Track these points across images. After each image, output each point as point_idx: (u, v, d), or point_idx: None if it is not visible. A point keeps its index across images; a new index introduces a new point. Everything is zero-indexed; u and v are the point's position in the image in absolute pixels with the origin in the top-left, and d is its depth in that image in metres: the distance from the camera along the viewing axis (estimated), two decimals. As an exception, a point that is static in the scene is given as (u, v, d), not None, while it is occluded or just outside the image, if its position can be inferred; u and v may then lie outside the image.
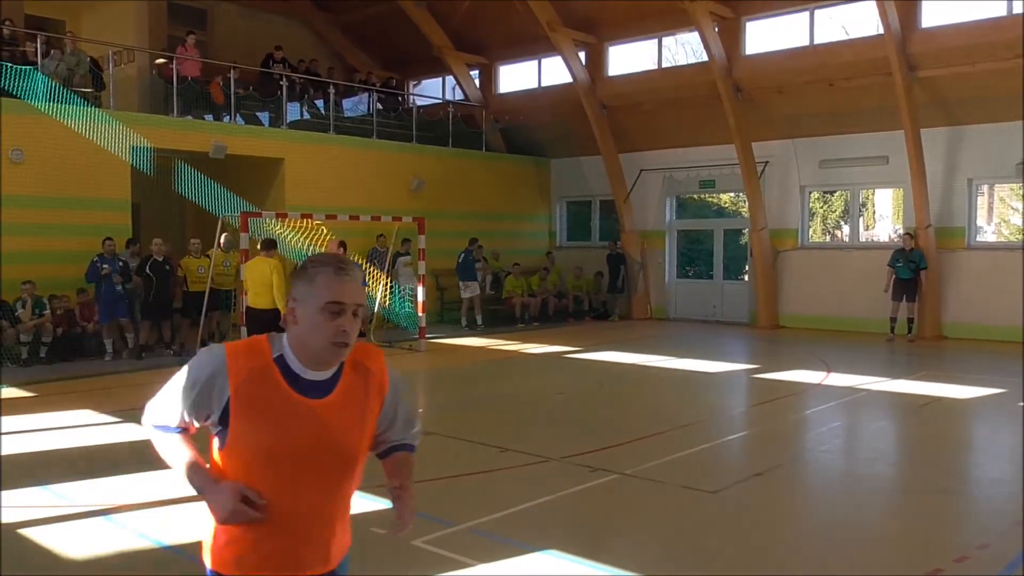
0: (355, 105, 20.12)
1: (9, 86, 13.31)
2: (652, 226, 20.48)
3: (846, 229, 19.91)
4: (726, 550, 5.34)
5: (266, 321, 10.87)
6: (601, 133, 19.87)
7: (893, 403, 10.31)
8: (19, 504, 6.05)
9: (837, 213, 22.71)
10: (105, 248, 13.06)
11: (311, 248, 15.32)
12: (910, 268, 15.38)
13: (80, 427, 8.56)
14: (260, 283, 11.33)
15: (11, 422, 8.72)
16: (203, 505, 2.30)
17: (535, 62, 21.64)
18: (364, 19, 22.02)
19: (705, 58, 17.79)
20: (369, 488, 6.30)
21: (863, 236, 19.71)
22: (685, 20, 17.39)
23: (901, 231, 17.47)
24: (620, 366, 13.24)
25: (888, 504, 6.47)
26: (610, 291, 20.17)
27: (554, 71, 20.96)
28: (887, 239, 20.06)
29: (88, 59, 15.16)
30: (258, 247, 11.97)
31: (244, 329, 11.93)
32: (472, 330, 17.52)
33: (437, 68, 22.39)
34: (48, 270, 13.21)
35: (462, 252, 17.95)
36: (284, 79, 17.43)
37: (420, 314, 15.08)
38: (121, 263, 13.23)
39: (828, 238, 21.70)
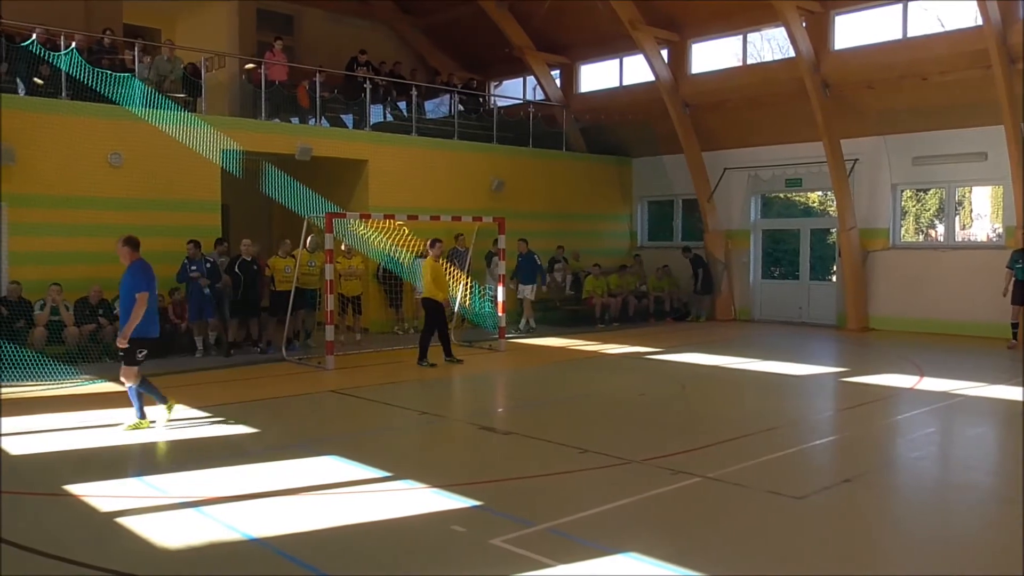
0: (437, 106, 20.36)
1: (108, 92, 13.89)
2: (736, 225, 20.12)
3: (940, 228, 19.17)
4: (810, 557, 5.19)
5: (432, 309, 13.00)
6: (684, 131, 19.61)
7: (991, 410, 9.88)
8: (116, 494, 6.31)
9: (931, 212, 21.87)
10: (189, 251, 13.45)
11: (393, 248, 15.53)
12: None
13: (173, 421, 8.86)
14: (424, 277, 13.09)
15: (109, 415, 9.11)
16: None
17: (616, 61, 21.51)
18: (446, 21, 22.29)
19: (792, 54, 17.40)
20: (447, 486, 6.38)
21: (959, 235, 18.94)
22: (771, 15, 17.04)
23: (1000, 230, 16.73)
24: (703, 368, 13.02)
25: (985, 514, 6.19)
26: (693, 292, 19.94)
27: (636, 69, 20.79)
28: (984, 239, 19.24)
29: (182, 65, 15.67)
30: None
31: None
32: (521, 333, 17.10)
33: (518, 68, 22.47)
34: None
35: (519, 255, 17.57)
36: (368, 82, 17.70)
37: (500, 314, 15.13)
38: (209, 264, 13.61)
39: (921, 237, 20.94)
